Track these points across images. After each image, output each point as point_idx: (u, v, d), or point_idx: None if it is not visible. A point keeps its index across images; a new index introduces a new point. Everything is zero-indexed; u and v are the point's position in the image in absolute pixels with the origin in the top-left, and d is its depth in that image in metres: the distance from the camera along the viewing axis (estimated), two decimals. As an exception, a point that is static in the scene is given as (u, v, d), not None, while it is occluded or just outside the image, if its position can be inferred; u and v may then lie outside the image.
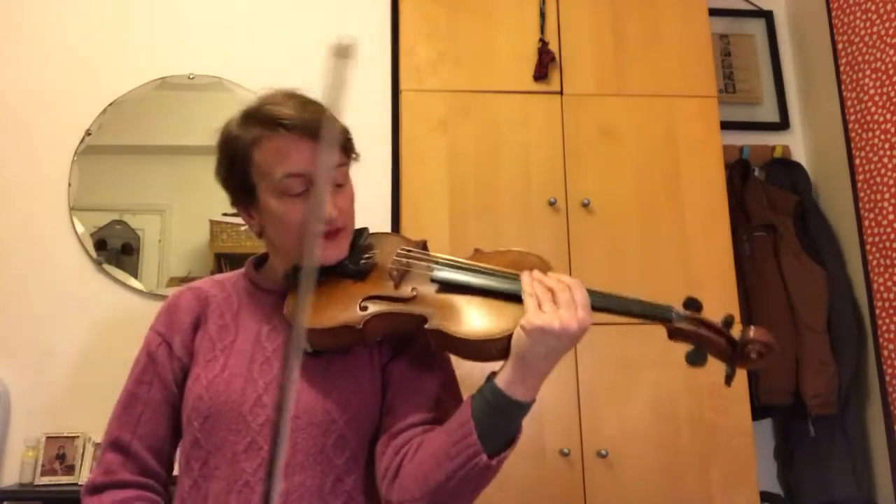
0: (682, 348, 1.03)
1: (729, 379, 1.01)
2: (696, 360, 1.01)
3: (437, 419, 1.06)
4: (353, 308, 1.06)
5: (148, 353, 1.17)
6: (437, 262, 1.11)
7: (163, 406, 1.14)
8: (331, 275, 1.13)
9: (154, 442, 1.13)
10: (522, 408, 0.96)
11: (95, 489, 1.10)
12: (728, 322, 1.02)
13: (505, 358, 0.99)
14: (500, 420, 0.96)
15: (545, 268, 1.06)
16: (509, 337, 0.98)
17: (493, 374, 0.98)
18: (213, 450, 1.07)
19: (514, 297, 1.01)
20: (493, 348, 1.00)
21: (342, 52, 0.85)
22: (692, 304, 1.02)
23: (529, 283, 0.99)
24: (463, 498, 0.99)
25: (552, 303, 0.95)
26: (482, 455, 0.93)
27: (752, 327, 1.00)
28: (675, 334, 1.02)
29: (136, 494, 1.09)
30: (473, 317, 1.03)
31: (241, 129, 1.11)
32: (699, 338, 1.00)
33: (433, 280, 1.08)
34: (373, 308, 1.05)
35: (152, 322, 1.20)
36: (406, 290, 1.08)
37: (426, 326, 1.02)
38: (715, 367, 1.03)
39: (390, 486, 1.02)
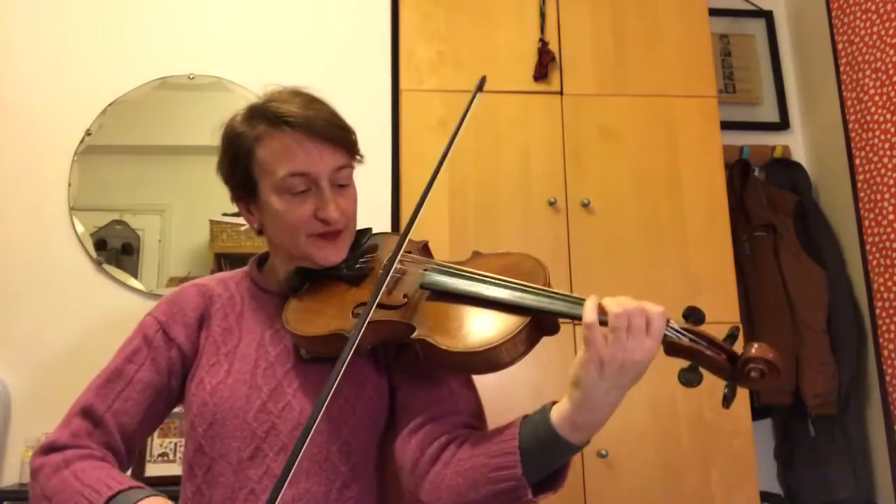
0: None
1: (727, 401, 0.91)
2: (690, 379, 0.91)
3: (455, 410, 1.05)
4: (345, 315, 1.03)
5: (144, 336, 1.14)
6: (430, 268, 1.07)
7: (147, 389, 1.10)
8: (327, 278, 1.11)
9: (126, 422, 1.08)
10: (573, 448, 0.92)
11: (54, 448, 1.04)
12: (731, 336, 0.92)
13: (493, 371, 0.97)
14: (548, 456, 0.92)
15: (543, 272, 1.02)
16: (495, 349, 0.94)
17: (552, 405, 0.93)
18: (217, 457, 1.05)
19: (508, 307, 0.97)
20: (479, 361, 0.96)
21: (481, 86, 1.11)
22: (693, 315, 0.92)
23: (592, 309, 0.90)
24: None
25: (619, 330, 0.88)
26: (526, 490, 0.90)
27: (756, 344, 0.89)
28: (671, 349, 0.92)
29: (102, 454, 1.04)
30: (462, 327, 0.97)
31: (245, 125, 1.11)
32: (696, 354, 0.91)
33: (424, 286, 1.04)
34: None
35: (151, 309, 1.18)
36: (398, 296, 1.04)
37: (412, 336, 0.98)
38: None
39: (419, 482, 0.99)
